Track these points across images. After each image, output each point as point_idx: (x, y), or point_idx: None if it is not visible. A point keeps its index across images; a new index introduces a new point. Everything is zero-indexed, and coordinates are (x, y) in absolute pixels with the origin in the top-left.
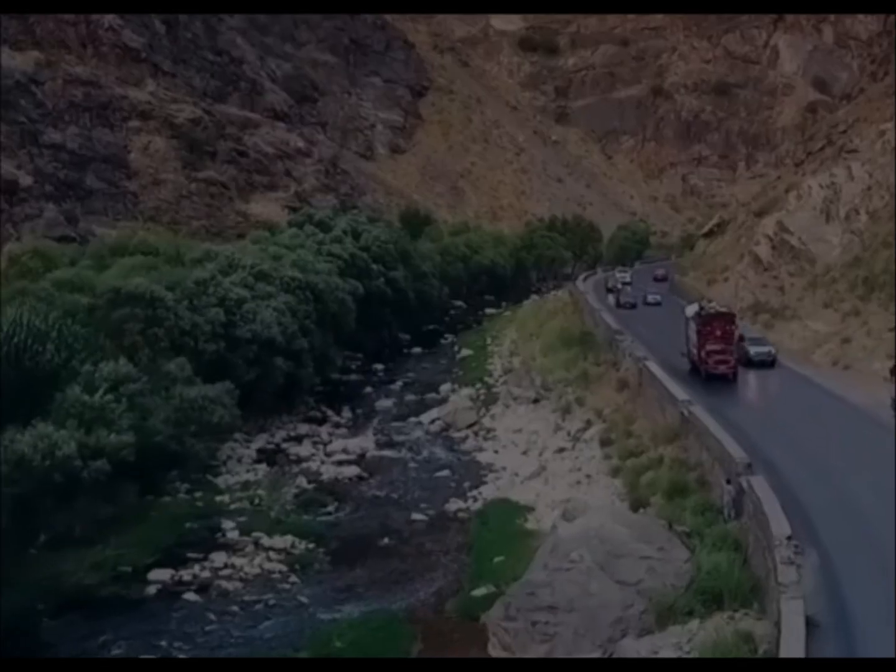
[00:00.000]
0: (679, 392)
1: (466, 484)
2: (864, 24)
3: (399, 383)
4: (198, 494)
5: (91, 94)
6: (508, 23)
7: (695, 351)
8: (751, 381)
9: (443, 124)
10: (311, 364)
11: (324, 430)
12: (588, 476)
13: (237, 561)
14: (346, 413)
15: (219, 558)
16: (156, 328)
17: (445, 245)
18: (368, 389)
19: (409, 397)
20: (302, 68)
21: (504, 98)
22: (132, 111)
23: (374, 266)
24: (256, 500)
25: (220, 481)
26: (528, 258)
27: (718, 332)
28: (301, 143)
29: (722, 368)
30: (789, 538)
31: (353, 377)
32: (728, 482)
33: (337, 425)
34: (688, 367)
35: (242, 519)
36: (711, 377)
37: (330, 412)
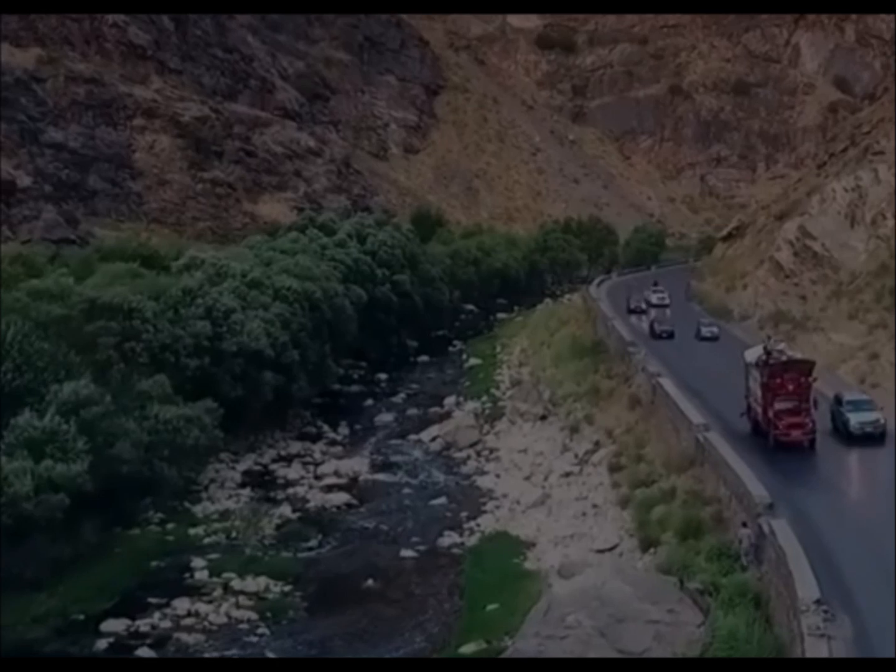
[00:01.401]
0: (694, 415)
1: (463, 514)
2: (887, 23)
3: (402, 395)
4: (170, 526)
5: (94, 92)
6: (525, 20)
7: (758, 409)
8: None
9: (458, 124)
10: (303, 378)
11: (318, 449)
12: (595, 506)
13: (202, 608)
14: (343, 429)
15: (182, 605)
16: (132, 342)
17: (456, 248)
18: (369, 402)
19: (412, 411)
20: (315, 66)
21: (520, 97)
22: (137, 109)
23: (380, 271)
24: (233, 533)
25: (199, 509)
26: (542, 261)
27: (791, 386)
28: (312, 143)
29: (796, 434)
30: (818, 602)
31: (355, 388)
32: (745, 525)
33: (332, 443)
34: (747, 429)
35: (214, 556)
36: (781, 446)
37: (326, 428)
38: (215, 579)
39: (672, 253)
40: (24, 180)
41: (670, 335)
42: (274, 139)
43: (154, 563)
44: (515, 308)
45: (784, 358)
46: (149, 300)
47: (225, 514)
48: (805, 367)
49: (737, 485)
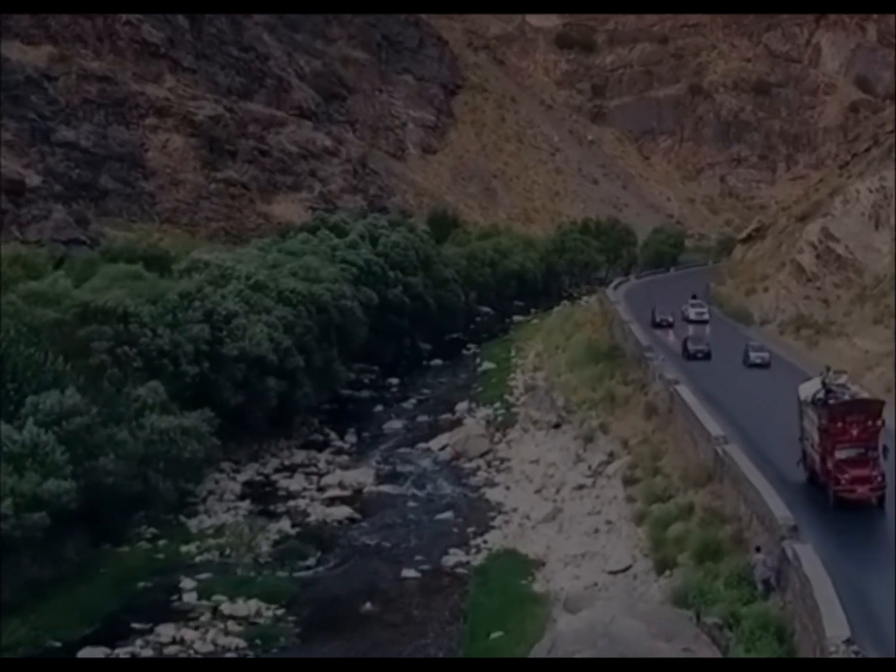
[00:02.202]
0: (713, 426)
1: (470, 530)
2: None
3: (413, 401)
4: (161, 542)
5: (106, 91)
6: (545, 20)
7: (816, 457)
8: None
9: (476, 124)
10: (308, 384)
11: (323, 458)
12: (608, 522)
13: (188, 634)
14: (351, 437)
15: (167, 631)
16: (127, 347)
17: (472, 249)
18: (379, 408)
19: (422, 418)
20: (332, 65)
21: (539, 97)
22: (150, 108)
23: (392, 273)
24: (227, 551)
25: (194, 524)
26: (559, 262)
27: (855, 431)
28: (328, 142)
29: (861, 490)
30: (848, 642)
31: (365, 393)
32: (758, 550)
33: (338, 451)
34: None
35: (205, 576)
36: (843, 503)
37: (333, 435)
38: (204, 602)
39: (691, 254)
40: (34, 180)
41: (706, 356)
42: (289, 139)
43: (141, 584)
44: (532, 310)
45: (847, 396)
46: (147, 304)
47: (220, 530)
48: (873, 408)
49: (758, 504)
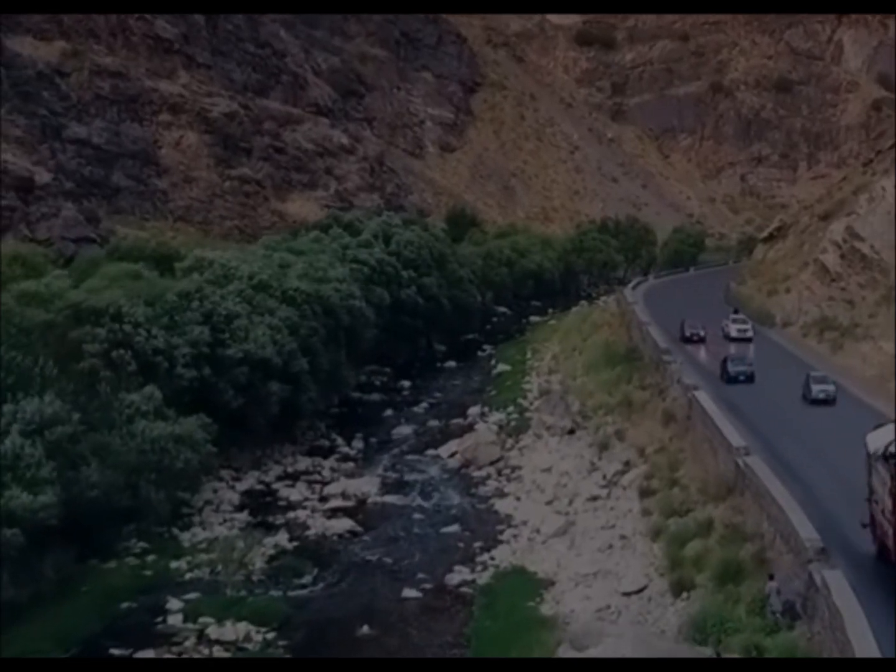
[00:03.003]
0: (733, 435)
1: (477, 545)
2: None
3: (424, 404)
4: (150, 558)
5: (119, 87)
6: (565, 17)
7: (888, 528)
8: None
9: (495, 121)
10: (313, 388)
11: (328, 465)
12: (623, 537)
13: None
14: (358, 443)
15: (146, 657)
16: (121, 350)
17: (489, 248)
18: (389, 412)
19: (432, 422)
20: (350, 62)
21: (559, 94)
22: (163, 104)
23: (405, 272)
24: (219, 567)
25: (187, 537)
26: (577, 262)
27: None
28: (345, 140)
29: None
30: None
31: (375, 397)
32: (771, 578)
33: (344, 458)
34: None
35: (193, 596)
36: None
37: (340, 441)
38: (190, 625)
39: (711, 254)
40: (44, 177)
41: (749, 378)
42: (305, 136)
43: (124, 605)
44: (550, 310)
45: None
46: (143, 304)
47: (214, 544)
48: None
49: (782, 521)
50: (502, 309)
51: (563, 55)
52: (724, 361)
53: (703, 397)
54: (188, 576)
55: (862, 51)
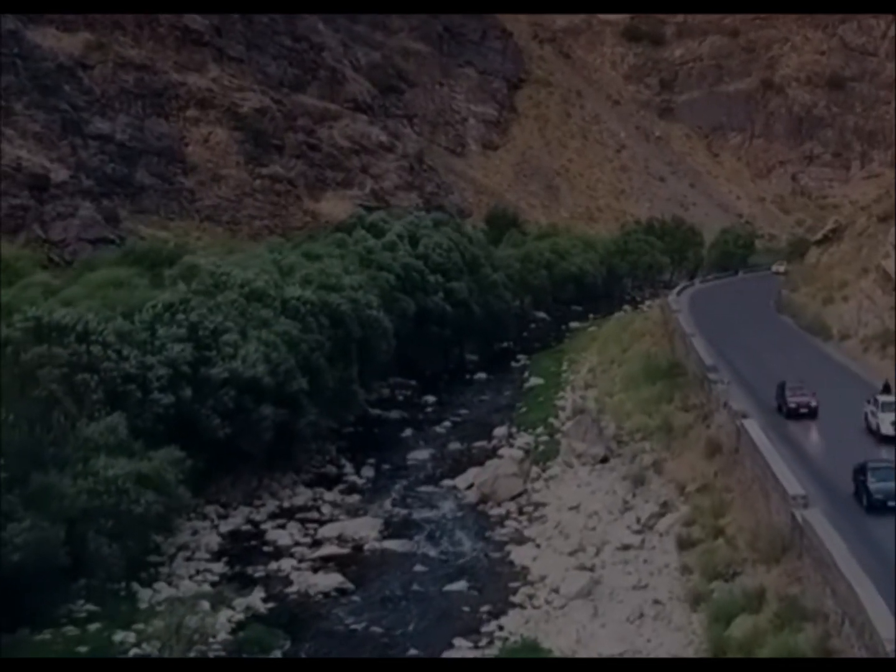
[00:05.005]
0: (790, 480)
1: (485, 609)
2: None
3: (447, 423)
4: (94, 626)
5: (145, 80)
6: None
7: None
8: None
9: (539, 119)
10: (312, 410)
11: (330, 498)
12: (656, 603)
13: None
14: (368, 470)
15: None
16: (85, 374)
17: (528, 251)
18: (408, 432)
19: (453, 445)
20: (391, 57)
21: (606, 91)
22: (191, 99)
23: (432, 277)
24: (172, 639)
25: (146, 596)
26: (621, 265)
27: None
28: (383, 137)
29: None
30: None
31: (395, 414)
32: None
33: (350, 489)
34: None
35: None
36: None
37: (348, 468)
38: None
39: (761, 256)
40: (61, 174)
41: (812, 413)
42: (342, 133)
43: None
44: (591, 316)
45: None
46: (122, 318)
47: (176, 604)
48: None
49: (850, 602)
50: (541, 314)
51: (611, 51)
52: (782, 388)
53: (754, 428)
54: (133, 651)
55: None
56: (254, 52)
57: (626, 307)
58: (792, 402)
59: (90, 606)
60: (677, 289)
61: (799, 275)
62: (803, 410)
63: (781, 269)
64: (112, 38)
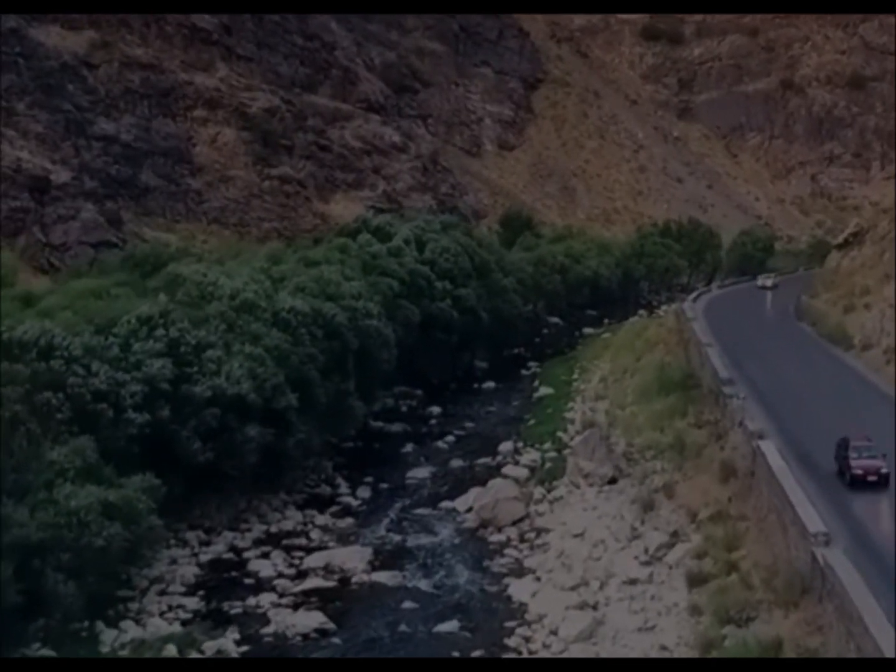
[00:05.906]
0: (810, 515)
1: (476, 654)
2: None
3: (451, 437)
4: None
5: (151, 80)
6: None
7: None
8: None
9: (556, 119)
10: (302, 428)
11: (321, 522)
12: (663, 649)
13: None
14: (364, 490)
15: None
16: (50, 393)
17: (541, 254)
18: (409, 447)
19: (456, 462)
20: (405, 57)
21: (623, 91)
22: (198, 99)
23: (439, 284)
24: None
25: (109, 637)
26: (637, 268)
27: None
28: (397, 138)
29: None
30: None
31: (397, 427)
32: None
33: (344, 511)
34: None
35: None
36: None
37: (344, 488)
38: None
39: (780, 259)
40: (62, 176)
41: (883, 481)
42: (353, 133)
43: None
44: (606, 321)
45: None
46: (95, 332)
47: (140, 648)
48: None
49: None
50: (554, 319)
51: (629, 50)
52: (844, 447)
53: (770, 451)
54: None
55: None
56: (264, 51)
57: (642, 312)
58: (857, 467)
59: (45, 651)
60: (692, 295)
61: (819, 279)
62: (872, 478)
63: (769, 283)
64: (118, 37)
